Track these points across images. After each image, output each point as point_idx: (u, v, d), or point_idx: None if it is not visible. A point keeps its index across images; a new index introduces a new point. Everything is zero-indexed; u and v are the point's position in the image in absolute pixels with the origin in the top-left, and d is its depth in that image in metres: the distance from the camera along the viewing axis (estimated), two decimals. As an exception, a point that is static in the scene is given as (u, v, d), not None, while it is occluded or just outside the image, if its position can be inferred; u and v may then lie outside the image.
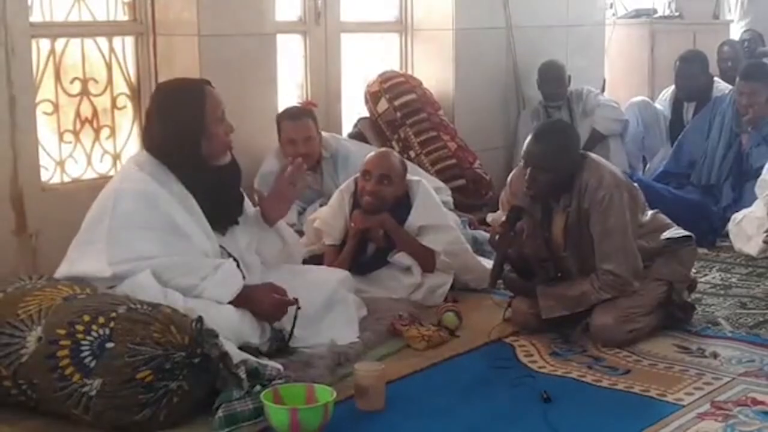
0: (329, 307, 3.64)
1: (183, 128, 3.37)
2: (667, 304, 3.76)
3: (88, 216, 3.40)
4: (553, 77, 6.21)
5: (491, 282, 3.80)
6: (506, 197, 4.00)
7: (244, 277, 3.39)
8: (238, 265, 3.41)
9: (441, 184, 5.19)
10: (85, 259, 3.30)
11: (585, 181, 3.64)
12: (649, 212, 3.88)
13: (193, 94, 3.42)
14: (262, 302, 3.36)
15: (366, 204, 4.13)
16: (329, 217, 4.26)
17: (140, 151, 3.50)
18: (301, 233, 4.36)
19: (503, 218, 3.73)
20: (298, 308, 3.42)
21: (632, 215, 3.69)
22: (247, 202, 3.67)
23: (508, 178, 3.98)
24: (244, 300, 3.32)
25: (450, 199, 5.12)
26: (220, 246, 3.45)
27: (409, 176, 4.29)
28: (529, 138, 3.71)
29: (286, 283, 3.47)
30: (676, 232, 3.88)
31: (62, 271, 3.35)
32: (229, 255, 3.45)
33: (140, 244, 3.25)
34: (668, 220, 3.93)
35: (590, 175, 3.65)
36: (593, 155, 3.82)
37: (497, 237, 3.68)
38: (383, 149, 4.53)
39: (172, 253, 3.27)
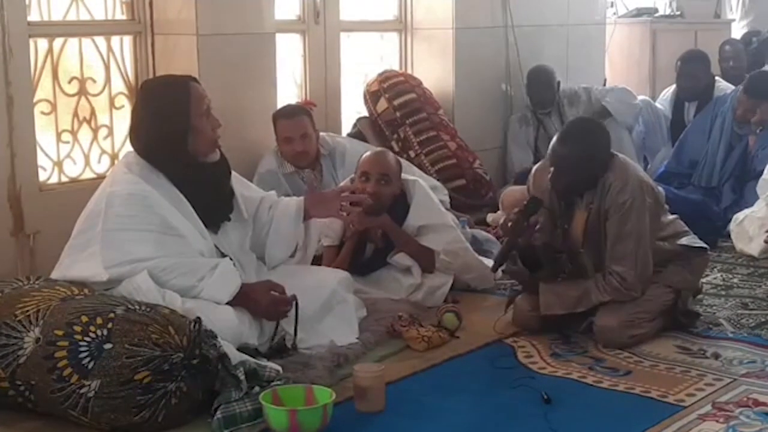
0: (328, 308, 3.62)
1: (168, 124, 3.35)
2: (672, 311, 3.74)
3: (79, 221, 3.38)
4: (540, 82, 6.12)
5: (494, 267, 3.76)
6: (528, 188, 3.94)
7: (240, 276, 3.37)
8: (233, 264, 3.39)
9: (437, 183, 5.18)
10: (79, 263, 3.27)
11: (609, 181, 3.62)
12: (670, 216, 3.85)
13: (176, 90, 3.40)
14: (260, 300, 3.35)
15: (366, 205, 4.10)
16: (327, 217, 4.23)
17: (129, 153, 3.48)
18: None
19: (520, 207, 3.68)
20: (297, 304, 3.39)
21: (652, 220, 3.65)
22: (241, 200, 3.62)
23: (532, 170, 3.94)
24: (241, 298, 3.30)
25: (447, 198, 5.10)
26: (214, 245, 3.43)
27: (405, 176, 4.27)
28: (556, 136, 3.67)
29: (285, 284, 3.45)
30: (692, 240, 3.85)
31: (56, 276, 3.32)
32: (223, 254, 3.43)
33: (135, 246, 3.23)
34: (686, 228, 3.89)
35: (615, 177, 3.62)
36: (622, 156, 3.78)
37: (509, 224, 3.65)
38: (378, 149, 4.50)
39: (167, 254, 3.25)
